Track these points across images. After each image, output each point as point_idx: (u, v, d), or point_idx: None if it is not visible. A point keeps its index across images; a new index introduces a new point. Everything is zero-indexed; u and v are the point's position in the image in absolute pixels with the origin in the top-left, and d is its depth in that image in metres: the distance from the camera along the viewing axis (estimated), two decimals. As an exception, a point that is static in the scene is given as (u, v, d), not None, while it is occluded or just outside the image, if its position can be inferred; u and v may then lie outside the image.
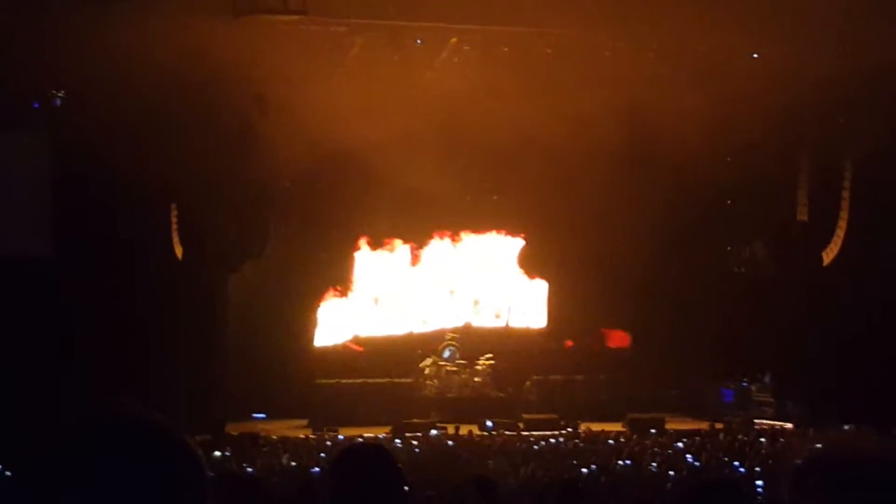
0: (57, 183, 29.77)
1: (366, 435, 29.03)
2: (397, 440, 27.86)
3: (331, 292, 36.22)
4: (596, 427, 30.28)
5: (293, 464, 23.09)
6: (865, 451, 2.88)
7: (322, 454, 24.19)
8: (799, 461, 2.92)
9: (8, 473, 16.78)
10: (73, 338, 28.85)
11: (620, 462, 22.58)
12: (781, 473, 19.83)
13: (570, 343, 37.61)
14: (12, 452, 16.68)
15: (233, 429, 30.50)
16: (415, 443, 27.36)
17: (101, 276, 29.40)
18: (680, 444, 26.10)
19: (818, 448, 3.27)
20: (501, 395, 35.26)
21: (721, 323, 35.25)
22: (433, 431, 30.26)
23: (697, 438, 27.45)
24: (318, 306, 36.13)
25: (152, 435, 2.33)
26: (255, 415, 33.99)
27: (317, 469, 20.79)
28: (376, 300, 36.77)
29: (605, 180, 33.15)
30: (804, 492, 2.84)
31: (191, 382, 29.73)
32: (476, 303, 37.32)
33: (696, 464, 22.60)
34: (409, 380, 35.10)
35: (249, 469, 20.82)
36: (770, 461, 22.49)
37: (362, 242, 36.51)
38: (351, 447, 4.38)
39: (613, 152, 32.03)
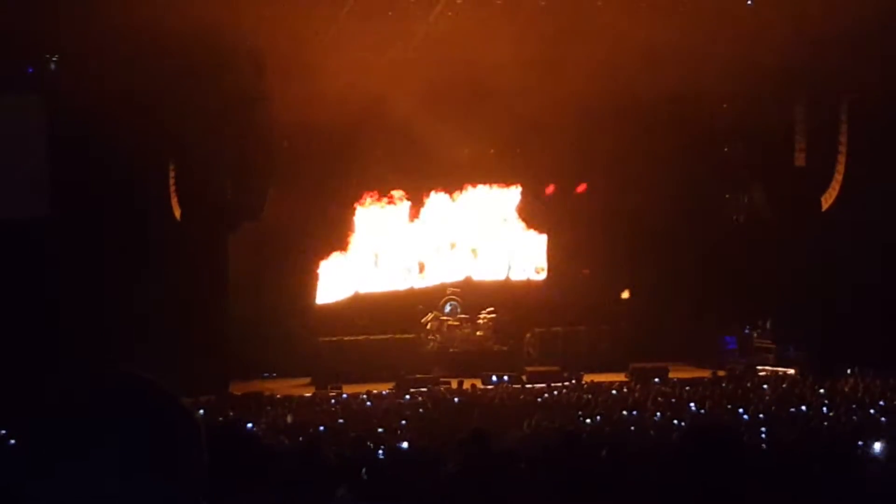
0: (54, 145, 29.67)
1: (373, 392, 29.13)
2: (406, 396, 27.93)
3: (331, 250, 36.19)
4: (599, 378, 30.34)
5: (297, 422, 23.11)
6: None
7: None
8: None
9: (6, 435, 16.76)
10: (72, 300, 28.80)
11: (624, 412, 22.58)
12: (784, 420, 19.89)
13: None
14: (11, 414, 16.66)
15: (237, 389, 30.59)
16: (418, 398, 27.40)
17: (101, 237, 29.33)
18: (683, 393, 26.11)
19: None
20: (504, 348, 35.31)
21: (721, 270, 35.28)
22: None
23: (700, 387, 27.46)
24: (319, 264, 36.11)
25: (148, 396, 2.33)
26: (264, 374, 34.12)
27: (321, 427, 20.84)
28: (376, 256, 36.74)
29: (601, 130, 33.12)
30: None
31: (193, 343, 29.73)
32: (476, 256, 37.23)
33: (700, 412, 22.62)
34: (410, 335, 35.15)
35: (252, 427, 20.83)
36: (773, 408, 22.52)
37: (362, 198, 36.48)
38: None
39: (607, 102, 31.92)
